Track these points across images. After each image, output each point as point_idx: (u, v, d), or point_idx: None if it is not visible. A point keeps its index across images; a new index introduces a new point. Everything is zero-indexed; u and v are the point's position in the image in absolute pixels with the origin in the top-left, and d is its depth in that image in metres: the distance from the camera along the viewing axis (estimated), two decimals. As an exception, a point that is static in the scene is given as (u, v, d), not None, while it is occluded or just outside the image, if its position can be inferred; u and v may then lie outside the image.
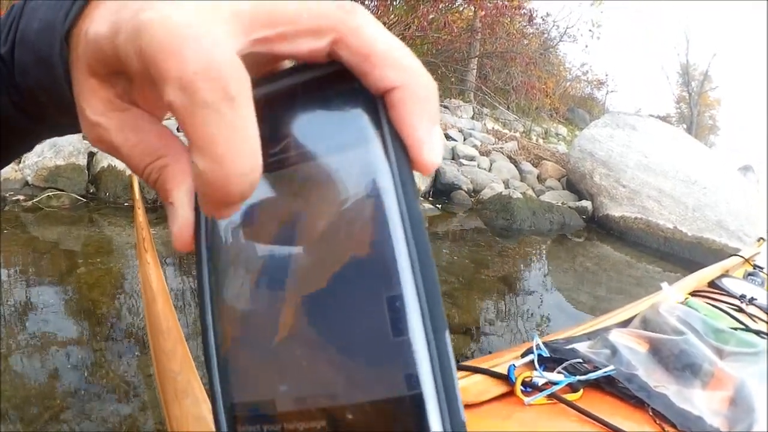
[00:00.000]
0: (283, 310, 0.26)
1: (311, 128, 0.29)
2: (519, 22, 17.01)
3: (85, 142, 7.03)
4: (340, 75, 0.29)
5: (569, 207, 8.70)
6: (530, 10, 16.45)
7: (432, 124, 0.28)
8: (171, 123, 0.30)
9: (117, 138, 0.32)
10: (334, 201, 0.27)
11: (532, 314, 4.89)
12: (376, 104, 0.28)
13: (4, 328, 3.44)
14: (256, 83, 0.29)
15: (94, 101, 0.32)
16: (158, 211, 5.93)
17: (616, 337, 1.61)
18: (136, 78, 0.30)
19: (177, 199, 0.30)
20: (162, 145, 0.31)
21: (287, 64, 0.35)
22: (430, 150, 0.28)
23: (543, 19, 19.37)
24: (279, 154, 0.29)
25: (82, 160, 6.72)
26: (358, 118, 0.28)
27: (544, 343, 1.50)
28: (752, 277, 2.73)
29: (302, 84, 0.30)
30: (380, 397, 0.24)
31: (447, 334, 0.24)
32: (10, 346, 3.22)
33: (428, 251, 0.25)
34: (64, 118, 0.39)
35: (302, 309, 0.26)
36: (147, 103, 0.33)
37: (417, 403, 0.23)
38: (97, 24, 0.30)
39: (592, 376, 1.37)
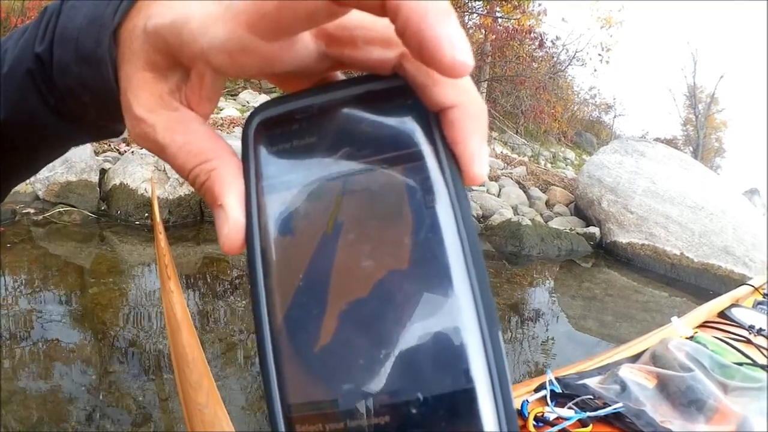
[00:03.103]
0: (342, 311, 0.27)
1: (369, 140, 0.30)
2: (529, 46, 17.02)
3: (98, 158, 7.02)
4: (399, 89, 0.30)
5: (577, 233, 8.68)
6: (540, 34, 16.45)
7: (482, 141, 0.29)
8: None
9: (164, 137, 0.32)
10: (392, 210, 0.28)
11: (540, 341, 4.89)
12: (430, 120, 0.29)
13: (15, 347, 3.45)
14: (316, 90, 0.32)
15: (144, 96, 0.32)
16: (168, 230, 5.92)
17: (626, 372, 1.65)
18: (194, 71, 0.32)
19: (227, 202, 0.30)
20: (210, 148, 0.32)
21: (340, 75, 0.36)
22: (480, 164, 0.29)
23: (553, 43, 19.35)
24: (338, 162, 0.30)
25: (94, 177, 6.71)
26: (415, 133, 0.29)
27: (556, 378, 1.54)
28: (761, 306, 2.72)
29: (363, 95, 0.31)
30: (441, 392, 0.25)
31: (500, 332, 0.26)
32: (21, 366, 3.22)
33: (482, 258, 0.27)
34: (105, 119, 0.39)
35: (362, 310, 0.26)
36: (197, 99, 0.33)
37: (474, 394, 0.24)
38: (157, 17, 0.31)
39: (602, 412, 1.41)
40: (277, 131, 0.32)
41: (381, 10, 0.26)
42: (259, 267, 0.29)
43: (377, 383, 0.25)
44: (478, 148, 0.29)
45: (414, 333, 0.25)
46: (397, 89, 0.30)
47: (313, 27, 0.29)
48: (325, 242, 0.28)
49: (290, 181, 0.30)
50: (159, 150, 0.32)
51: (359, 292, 0.27)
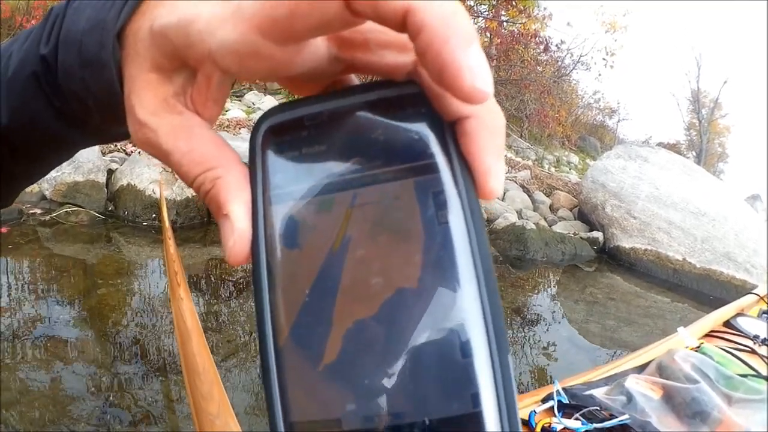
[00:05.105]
0: (349, 329, 0.26)
1: (381, 149, 0.28)
2: (534, 50, 16.99)
3: (105, 158, 6.97)
4: (413, 96, 0.29)
5: (581, 238, 8.66)
6: (545, 39, 16.43)
7: (499, 155, 0.28)
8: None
9: (167, 142, 0.30)
10: (403, 225, 0.27)
11: (542, 345, 4.91)
12: (445, 131, 0.28)
13: (22, 348, 3.46)
14: (327, 96, 0.30)
15: (147, 99, 0.31)
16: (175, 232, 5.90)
17: (632, 383, 1.67)
18: (200, 72, 0.30)
19: (233, 211, 0.29)
20: (215, 154, 0.30)
21: (354, 80, 0.35)
22: (496, 179, 0.27)
23: (558, 47, 19.34)
24: (348, 173, 0.28)
25: (102, 178, 6.66)
26: (429, 144, 0.28)
27: (563, 388, 1.56)
28: (766, 316, 2.75)
29: (376, 102, 0.29)
30: (448, 416, 0.24)
31: (509, 356, 0.25)
32: (28, 366, 3.23)
33: (494, 279, 0.26)
34: (109, 123, 0.38)
35: (369, 329, 0.26)
36: (203, 100, 0.31)
37: (481, 419, 0.24)
38: (163, 17, 0.30)
39: (608, 424, 1.43)
40: (285, 138, 0.30)
41: (401, 27, 0.25)
42: (264, 280, 0.28)
43: (382, 404, 0.25)
44: (495, 162, 0.28)
45: (421, 354, 0.25)
46: (411, 96, 0.29)
47: (327, 34, 0.29)
48: (333, 257, 0.27)
49: (298, 191, 0.29)
50: (163, 156, 0.31)
51: (366, 310, 0.26)
